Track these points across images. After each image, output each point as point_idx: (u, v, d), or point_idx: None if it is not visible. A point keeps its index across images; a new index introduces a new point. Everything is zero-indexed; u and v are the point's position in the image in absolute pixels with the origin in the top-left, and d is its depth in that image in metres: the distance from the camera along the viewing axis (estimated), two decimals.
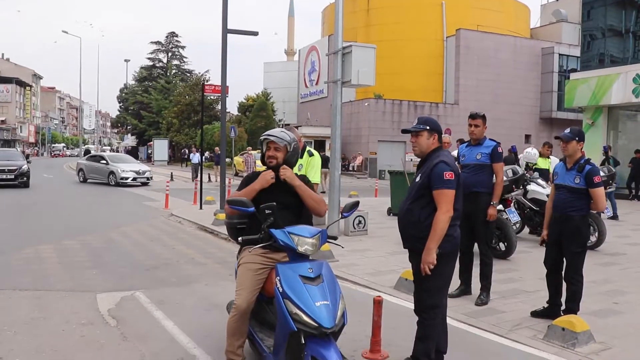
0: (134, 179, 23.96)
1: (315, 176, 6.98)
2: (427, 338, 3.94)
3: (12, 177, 20.56)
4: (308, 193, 3.88)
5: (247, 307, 3.67)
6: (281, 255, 3.73)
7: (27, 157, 24.76)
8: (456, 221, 3.93)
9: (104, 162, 24.93)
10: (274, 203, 3.60)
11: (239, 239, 3.76)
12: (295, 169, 4.18)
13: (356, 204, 3.95)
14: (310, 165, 7.09)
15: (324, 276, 3.40)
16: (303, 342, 3.23)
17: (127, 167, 24.53)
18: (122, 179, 23.62)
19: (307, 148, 7.21)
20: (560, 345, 4.64)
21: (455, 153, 7.32)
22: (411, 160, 27.48)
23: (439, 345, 4.06)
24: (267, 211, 3.56)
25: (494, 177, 6.03)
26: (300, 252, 3.48)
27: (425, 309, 3.95)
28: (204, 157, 37.91)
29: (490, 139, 6.15)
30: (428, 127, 3.98)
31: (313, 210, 3.92)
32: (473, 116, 6.12)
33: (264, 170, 3.98)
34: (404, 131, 4.14)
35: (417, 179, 3.99)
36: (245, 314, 3.69)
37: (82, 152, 50.28)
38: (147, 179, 24.64)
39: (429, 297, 3.93)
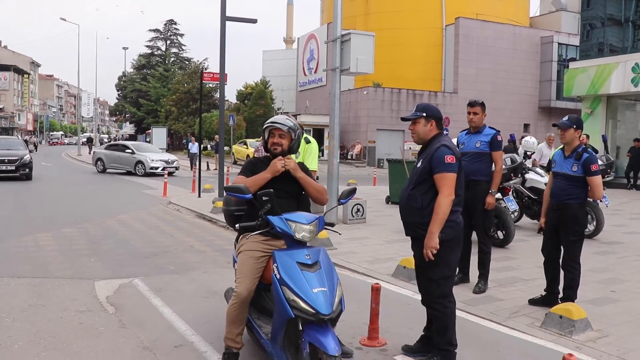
0: (164, 168, 22.67)
1: (312, 163, 6.95)
2: (445, 328, 3.92)
3: (13, 168, 18.92)
4: (310, 182, 3.87)
5: (248, 295, 3.64)
6: (282, 242, 3.70)
7: (34, 146, 23.63)
8: (458, 207, 3.90)
9: (130, 151, 23.89)
10: (271, 190, 3.59)
11: (237, 225, 3.75)
12: (292, 157, 4.16)
13: (353, 190, 3.93)
14: (307, 153, 7.05)
15: (321, 263, 3.39)
16: (301, 328, 3.23)
17: (156, 157, 23.66)
18: (151, 168, 22.71)
19: (304, 135, 7.18)
20: (558, 333, 4.66)
21: (455, 141, 7.29)
22: (410, 148, 27.50)
23: None
24: (264, 198, 3.54)
25: (493, 166, 6.01)
26: (297, 239, 3.47)
27: (435, 298, 3.94)
28: (206, 146, 38.18)
29: (489, 127, 6.10)
30: (425, 114, 3.98)
31: (316, 199, 3.91)
32: (472, 104, 6.08)
33: (264, 157, 3.97)
34: (403, 119, 4.13)
35: (419, 165, 3.97)
36: (245, 302, 3.67)
37: (83, 141, 49.99)
38: (176, 168, 23.71)
39: (438, 287, 3.91)
